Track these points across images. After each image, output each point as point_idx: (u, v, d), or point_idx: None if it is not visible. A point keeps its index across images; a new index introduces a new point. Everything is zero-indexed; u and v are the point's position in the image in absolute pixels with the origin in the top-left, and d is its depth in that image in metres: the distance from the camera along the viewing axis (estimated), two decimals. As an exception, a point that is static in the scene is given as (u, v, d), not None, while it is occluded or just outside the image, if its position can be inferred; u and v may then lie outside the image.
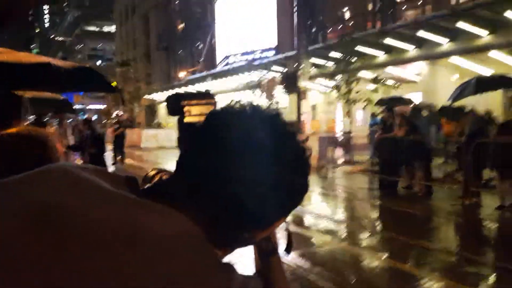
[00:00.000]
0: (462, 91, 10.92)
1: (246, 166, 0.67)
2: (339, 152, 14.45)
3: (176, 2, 39.57)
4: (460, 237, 6.85)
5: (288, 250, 0.91)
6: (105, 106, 44.06)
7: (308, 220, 7.54)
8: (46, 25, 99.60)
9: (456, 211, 7.91)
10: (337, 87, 15.98)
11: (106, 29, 69.44)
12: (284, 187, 0.70)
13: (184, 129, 1.16)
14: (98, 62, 64.14)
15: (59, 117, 12.34)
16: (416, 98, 16.33)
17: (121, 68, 37.94)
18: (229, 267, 0.64)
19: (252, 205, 0.67)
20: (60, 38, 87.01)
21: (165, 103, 1.35)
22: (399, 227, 6.83)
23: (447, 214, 7.74)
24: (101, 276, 0.53)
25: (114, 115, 34.16)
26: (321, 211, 8.04)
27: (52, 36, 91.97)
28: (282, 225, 0.85)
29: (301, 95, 17.92)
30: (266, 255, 0.87)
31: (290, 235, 0.90)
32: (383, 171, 9.74)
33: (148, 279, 0.54)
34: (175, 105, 1.20)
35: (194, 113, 1.21)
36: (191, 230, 0.62)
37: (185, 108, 1.18)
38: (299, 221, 7.45)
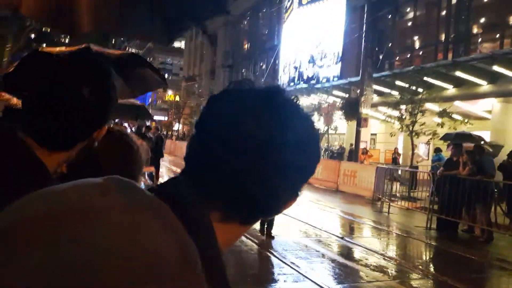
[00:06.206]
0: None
1: (249, 152, 0.60)
2: (397, 185, 13.76)
3: (245, 22, 40.39)
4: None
5: None
6: (166, 118, 45.61)
7: (358, 253, 7.22)
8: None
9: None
10: (400, 118, 15.36)
11: (176, 44, 72.17)
12: (294, 168, 0.63)
13: None
14: (166, 76, 66.69)
15: (133, 123, 12.93)
16: (485, 136, 15.43)
17: (186, 82, 39.18)
18: None
19: (262, 193, 0.61)
20: (133, 50, 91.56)
21: None
22: (454, 271, 6.34)
23: (508, 264, 7.12)
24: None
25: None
26: (372, 245, 7.66)
27: (125, 48, 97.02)
28: None
29: (361, 122, 17.48)
30: None
31: None
32: (443, 210, 9.18)
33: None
34: None
35: None
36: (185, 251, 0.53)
37: None
38: (348, 254, 7.15)
